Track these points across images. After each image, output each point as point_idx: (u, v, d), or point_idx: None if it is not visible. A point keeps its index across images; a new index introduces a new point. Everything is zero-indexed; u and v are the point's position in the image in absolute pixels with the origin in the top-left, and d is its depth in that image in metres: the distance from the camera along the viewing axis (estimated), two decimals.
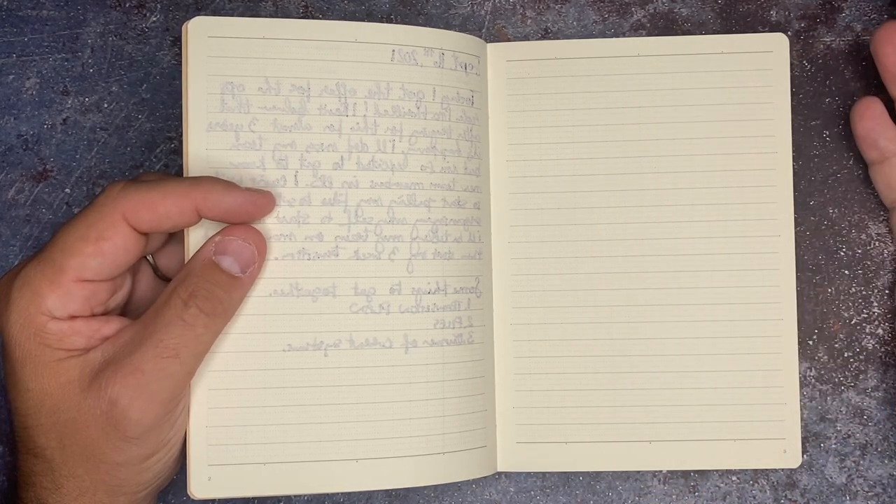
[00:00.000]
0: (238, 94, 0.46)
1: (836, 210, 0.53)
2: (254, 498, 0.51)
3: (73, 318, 0.43)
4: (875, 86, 0.53)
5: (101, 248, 0.42)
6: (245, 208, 0.44)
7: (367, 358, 0.46)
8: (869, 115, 0.50)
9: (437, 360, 0.47)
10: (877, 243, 0.53)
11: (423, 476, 0.47)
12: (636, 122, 0.51)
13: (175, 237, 0.48)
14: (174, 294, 0.43)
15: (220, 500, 0.50)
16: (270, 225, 0.46)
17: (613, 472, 0.52)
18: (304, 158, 0.46)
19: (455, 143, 0.48)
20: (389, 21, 0.54)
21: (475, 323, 0.49)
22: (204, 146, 0.46)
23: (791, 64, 0.51)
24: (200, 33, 0.46)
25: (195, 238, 0.45)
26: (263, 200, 0.45)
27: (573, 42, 0.51)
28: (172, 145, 0.53)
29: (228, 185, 0.44)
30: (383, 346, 0.46)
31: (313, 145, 0.46)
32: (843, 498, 0.52)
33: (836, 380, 0.53)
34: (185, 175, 0.45)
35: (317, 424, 0.46)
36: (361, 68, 0.47)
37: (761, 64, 0.51)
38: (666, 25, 0.54)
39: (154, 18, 0.54)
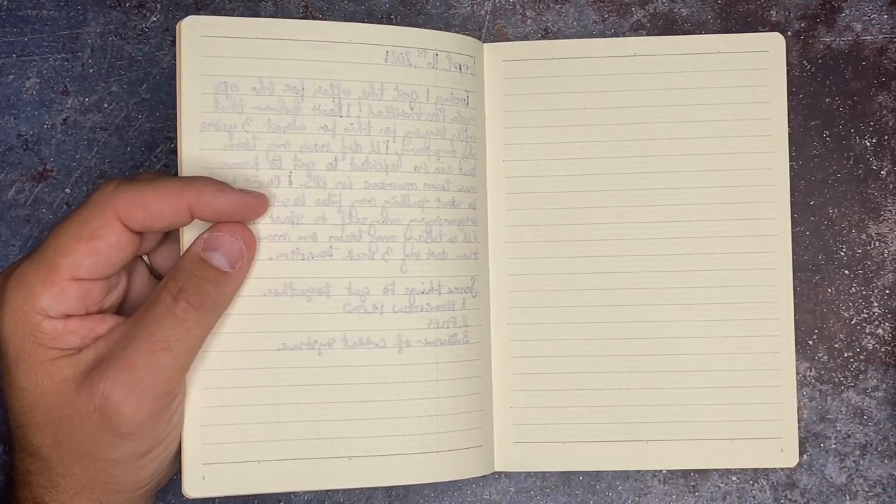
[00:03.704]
0: (232, 94, 0.46)
1: (836, 210, 0.53)
2: (253, 496, 0.51)
3: (67, 317, 0.43)
4: (875, 86, 0.53)
5: (95, 246, 0.42)
6: (238, 209, 0.44)
7: (360, 357, 0.46)
8: None
9: (430, 359, 0.47)
10: (877, 243, 0.53)
11: (417, 474, 0.47)
12: (633, 122, 0.51)
13: (170, 237, 0.48)
14: (164, 290, 0.43)
15: (219, 499, 0.50)
16: (264, 225, 0.46)
17: (613, 472, 0.52)
18: (297, 159, 0.46)
19: (449, 143, 0.48)
20: (389, 21, 0.54)
21: (471, 323, 0.49)
22: (198, 146, 0.46)
23: (791, 64, 0.51)
24: (194, 33, 0.46)
25: (189, 238, 0.45)
26: (256, 202, 0.45)
27: (569, 42, 0.51)
28: (172, 145, 0.53)
29: (221, 186, 0.44)
30: (377, 345, 0.47)
31: (307, 146, 0.47)
32: (843, 498, 0.52)
33: (836, 380, 0.52)
34: (179, 175, 0.46)
35: (310, 422, 0.46)
36: (355, 69, 0.47)
37: (758, 63, 0.50)
38: (666, 25, 0.54)
39: (154, 18, 0.54)
